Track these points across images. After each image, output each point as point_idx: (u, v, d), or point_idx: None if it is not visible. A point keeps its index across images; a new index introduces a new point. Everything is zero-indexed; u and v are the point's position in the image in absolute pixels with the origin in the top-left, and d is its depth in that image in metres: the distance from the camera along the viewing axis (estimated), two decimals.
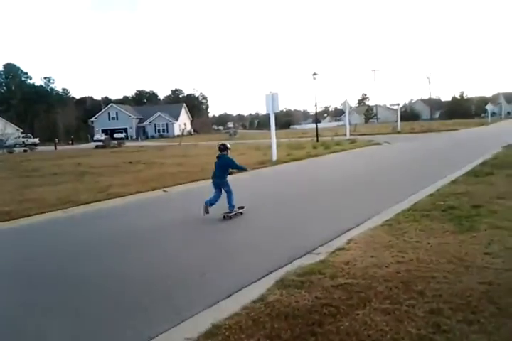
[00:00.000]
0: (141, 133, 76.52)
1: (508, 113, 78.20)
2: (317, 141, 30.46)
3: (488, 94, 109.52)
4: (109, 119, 78.18)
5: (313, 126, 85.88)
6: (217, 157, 8.95)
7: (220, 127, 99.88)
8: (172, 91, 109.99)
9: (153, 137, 72.87)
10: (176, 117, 79.38)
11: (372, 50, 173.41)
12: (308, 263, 5.37)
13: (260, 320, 3.92)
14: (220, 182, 8.87)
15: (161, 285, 5.15)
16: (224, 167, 8.85)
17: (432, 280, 4.45)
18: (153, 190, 12.60)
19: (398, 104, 43.23)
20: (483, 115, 78.97)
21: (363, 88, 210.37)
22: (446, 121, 62.91)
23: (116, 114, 78.36)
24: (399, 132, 39.15)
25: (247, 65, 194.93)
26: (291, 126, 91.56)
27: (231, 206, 8.74)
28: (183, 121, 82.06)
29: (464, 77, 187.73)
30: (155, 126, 78.04)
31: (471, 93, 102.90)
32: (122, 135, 72.21)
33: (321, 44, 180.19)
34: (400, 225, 6.82)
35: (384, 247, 5.74)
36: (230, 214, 8.62)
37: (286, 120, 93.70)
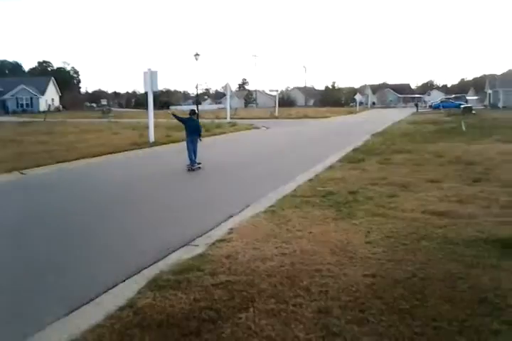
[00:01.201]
0: (1, 107, 68.19)
1: (373, 103, 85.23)
2: None
3: (356, 85, 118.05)
4: None
5: (194, 107, 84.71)
6: (188, 119, 11.70)
7: (93, 104, 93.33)
8: (39, 63, 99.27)
9: (15, 112, 65.25)
10: (43, 91, 72.00)
11: (254, 36, 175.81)
12: (186, 258, 4.82)
13: (128, 333, 3.28)
14: (194, 139, 11.44)
15: None
16: (195, 127, 11.60)
17: (317, 273, 4.20)
18: (8, 173, 10.93)
19: (277, 90, 44.36)
20: (351, 104, 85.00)
21: (244, 73, 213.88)
22: (319, 109, 66.43)
23: None
24: (277, 117, 40.16)
25: (125, 40, 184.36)
26: (171, 107, 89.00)
27: (193, 161, 11.31)
28: (51, 96, 74.85)
29: (336, 69, 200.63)
30: (17, 100, 69.90)
31: (342, 83, 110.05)
32: None
33: (204, 25, 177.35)
34: (283, 212, 6.59)
35: (267, 237, 5.42)
36: (193, 168, 11.22)
37: (165, 100, 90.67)
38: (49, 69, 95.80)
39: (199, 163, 11.48)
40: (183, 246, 5.48)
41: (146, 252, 5.26)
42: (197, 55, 29.33)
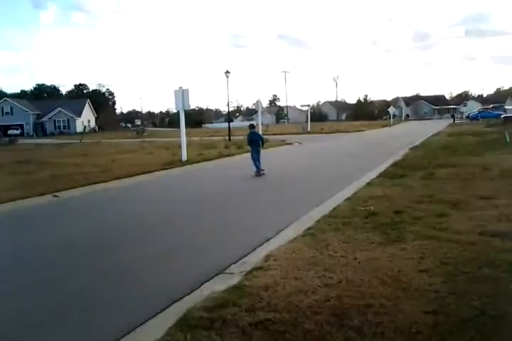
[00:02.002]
0: (40, 129, 70.49)
1: (407, 115, 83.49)
2: (229, 140, 29.66)
3: (388, 97, 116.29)
4: (3, 115, 71.03)
5: (226, 125, 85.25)
6: (250, 133, 13.81)
7: (128, 124, 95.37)
8: (76, 86, 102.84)
9: (52, 134, 67.37)
10: (79, 113, 74.25)
11: (283, 51, 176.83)
12: (220, 290, 4.40)
13: None
14: (257, 149, 13.40)
15: None
16: (256, 139, 13.61)
17: (369, 310, 3.69)
18: (40, 195, 10.87)
19: (309, 105, 43.92)
20: (385, 117, 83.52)
21: (274, 89, 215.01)
22: (352, 122, 65.51)
23: (11, 108, 71.40)
24: (309, 132, 39.70)
25: (158, 61, 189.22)
26: (204, 125, 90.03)
27: (258, 168, 13.09)
28: (87, 118, 77.06)
29: (368, 82, 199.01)
30: (55, 123, 72.34)
31: (374, 96, 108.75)
32: (17, 131, 65.97)
33: (233, 43, 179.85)
34: (323, 235, 6.10)
35: (308, 265, 4.94)
36: (260, 173, 13.01)
37: (198, 119, 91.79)
38: (85, 91, 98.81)
39: (263, 170, 13.21)
40: (216, 275, 5.09)
41: (178, 281, 4.87)
42: (227, 72, 29.36)
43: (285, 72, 77.59)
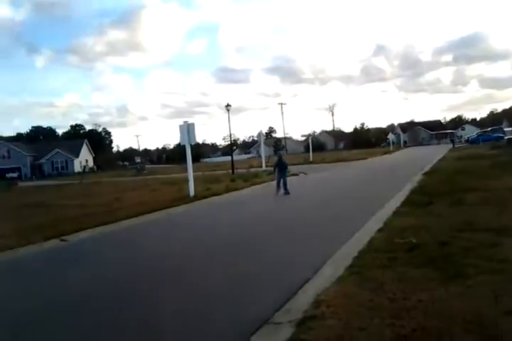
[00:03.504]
0: (37, 171, 70.09)
1: (405, 142, 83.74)
2: (233, 173, 29.23)
3: (383, 125, 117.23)
4: (0, 158, 70.85)
5: (224, 158, 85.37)
6: (278, 160, 17.60)
7: (126, 162, 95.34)
8: (72, 126, 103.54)
9: (50, 175, 66.92)
10: (77, 153, 74.21)
11: (275, 84, 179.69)
12: None
13: None
14: (282, 174, 16.71)
15: None
16: (283, 166, 17.00)
17: None
18: (47, 240, 10.24)
19: (310, 135, 43.89)
20: (383, 144, 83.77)
21: (270, 121, 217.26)
22: (351, 151, 65.39)
23: (8, 151, 71.26)
24: (311, 162, 39.38)
25: (152, 97, 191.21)
26: (202, 160, 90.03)
27: (286, 190, 16.30)
28: (85, 158, 77.00)
29: (362, 110, 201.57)
30: (53, 164, 72.06)
31: (369, 124, 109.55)
32: (15, 174, 65.59)
33: (222, 78, 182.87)
34: (371, 273, 5.51)
35: (368, 310, 4.34)
36: (286, 194, 16.14)
37: (195, 153, 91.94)
38: (81, 132, 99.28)
39: (288, 193, 16.24)
40: (260, 326, 4.47)
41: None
42: (228, 106, 29.24)
43: (281, 103, 78.41)
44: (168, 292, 5.93)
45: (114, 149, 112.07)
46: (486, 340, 3.48)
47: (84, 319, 5.17)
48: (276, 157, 18.80)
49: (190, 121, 17.17)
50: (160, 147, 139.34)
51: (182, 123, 17.19)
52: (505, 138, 41.10)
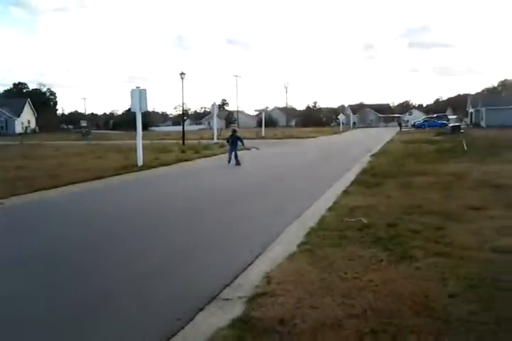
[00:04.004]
0: None
1: (354, 123, 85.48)
2: (183, 144, 28.63)
3: (334, 105, 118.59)
4: None
5: (174, 128, 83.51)
6: (232, 133, 18.07)
7: (70, 126, 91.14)
8: (14, 84, 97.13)
9: None
10: (18, 113, 69.99)
11: (232, 56, 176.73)
12: (222, 326, 3.67)
13: None
14: (234, 147, 17.43)
15: None
16: (236, 139, 17.61)
17: None
18: None
19: (264, 110, 43.60)
20: (333, 124, 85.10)
21: (223, 93, 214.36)
22: (302, 129, 66.04)
23: None
24: (263, 137, 39.32)
25: (101, 61, 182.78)
26: (150, 128, 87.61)
27: (237, 159, 17.09)
28: (27, 118, 72.91)
29: (315, 89, 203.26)
30: None
31: (321, 104, 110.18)
32: None
33: (178, 45, 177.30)
34: (322, 251, 5.50)
35: (320, 289, 4.31)
36: (238, 164, 16.91)
37: (145, 121, 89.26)
38: (24, 90, 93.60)
39: (240, 164, 17.05)
40: (209, 302, 4.33)
41: (161, 313, 4.07)
42: (183, 74, 28.26)
43: (236, 76, 76.87)
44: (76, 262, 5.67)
45: (59, 111, 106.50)
46: (436, 322, 3.52)
47: None
48: (230, 130, 19.56)
49: (141, 87, 16.40)
50: (108, 112, 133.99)
51: (134, 88, 16.43)
52: (450, 125, 42.79)
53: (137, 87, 16.26)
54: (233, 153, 17.33)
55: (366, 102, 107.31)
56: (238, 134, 18.30)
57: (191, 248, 6.21)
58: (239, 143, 17.79)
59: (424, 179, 10.99)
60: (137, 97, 16.07)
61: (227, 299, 4.38)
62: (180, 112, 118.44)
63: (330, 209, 8.19)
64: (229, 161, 17.44)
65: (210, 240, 6.64)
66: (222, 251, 6.04)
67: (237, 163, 17.07)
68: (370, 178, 11.72)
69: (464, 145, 18.71)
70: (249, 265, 5.35)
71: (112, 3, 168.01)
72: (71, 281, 5.06)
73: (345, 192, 9.86)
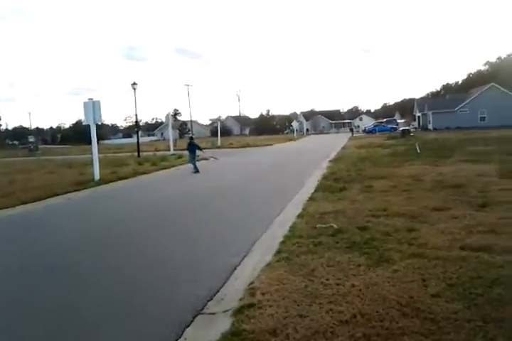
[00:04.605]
0: None
1: (307, 129, 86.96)
2: (138, 156, 28.06)
3: (286, 112, 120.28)
4: None
5: (125, 141, 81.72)
6: (189, 143, 18.97)
7: (15, 142, 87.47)
8: None
9: None
10: None
11: (182, 66, 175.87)
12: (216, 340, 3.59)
13: None
14: (193, 156, 18.52)
15: None
16: (194, 148, 18.47)
17: None
18: None
19: (219, 119, 43.51)
20: (286, 131, 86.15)
21: (175, 103, 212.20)
22: (257, 137, 66.45)
23: None
24: (219, 147, 39.21)
25: (47, 73, 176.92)
26: (101, 141, 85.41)
27: (196, 167, 17.93)
28: None
29: (267, 97, 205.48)
30: None
31: (274, 111, 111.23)
32: None
33: (127, 56, 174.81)
34: (299, 259, 5.51)
35: (305, 297, 4.31)
36: (195, 172, 17.73)
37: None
38: None
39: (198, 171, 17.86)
40: (195, 316, 4.24)
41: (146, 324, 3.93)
42: (134, 84, 27.65)
43: (188, 85, 75.96)
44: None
45: (3, 127, 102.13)
46: (425, 323, 3.58)
47: None
48: (187, 139, 21.11)
49: (89, 98, 15.95)
50: (54, 126, 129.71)
51: (85, 100, 16.00)
52: (400, 129, 44.36)
53: (90, 99, 15.83)
54: (193, 160, 18.44)
55: (317, 109, 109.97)
56: (195, 141, 19.43)
57: (161, 264, 6.06)
58: (197, 150, 18.71)
59: (384, 182, 11.28)
60: (91, 109, 15.63)
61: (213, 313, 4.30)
62: (131, 124, 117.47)
63: (299, 215, 8.23)
64: (194, 169, 18.01)
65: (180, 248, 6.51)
66: (198, 262, 5.93)
67: (196, 171, 17.86)
68: (332, 183, 11.91)
69: (417, 148, 19.40)
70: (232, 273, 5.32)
71: (52, 12, 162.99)
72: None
73: (311, 199, 9.95)
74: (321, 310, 3.99)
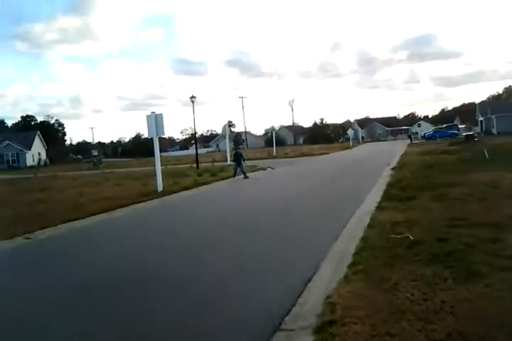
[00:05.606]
0: None
1: (363, 137, 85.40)
2: (197, 167, 28.55)
3: (339, 120, 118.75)
4: None
5: (182, 152, 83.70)
6: (234, 153, 22.54)
7: (79, 156, 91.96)
8: (23, 117, 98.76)
9: (0, 169, 63.55)
10: (29, 146, 70.65)
11: (234, 78, 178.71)
12: None
13: None
14: (238, 163, 21.09)
15: None
16: (239, 158, 21.32)
17: None
18: (9, 239, 9.41)
19: (274, 129, 43.65)
20: (341, 140, 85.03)
21: (229, 115, 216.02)
22: (311, 146, 65.94)
23: None
24: (275, 157, 39.21)
25: (107, 88, 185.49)
26: (161, 154, 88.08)
27: (245, 173, 20.63)
28: (37, 150, 73.48)
29: (320, 106, 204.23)
30: (3, 157, 68.33)
31: (327, 120, 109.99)
32: None
33: (180, 70, 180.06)
34: (378, 272, 5.21)
35: (391, 314, 4.02)
36: (246, 177, 20.34)
37: (153, 147, 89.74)
38: (32, 123, 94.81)
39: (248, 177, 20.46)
40: (273, 334, 4.08)
41: None
42: (193, 97, 28.30)
43: (242, 97, 77.33)
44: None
45: (67, 142, 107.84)
46: None
47: None
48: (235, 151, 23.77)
49: (149, 112, 16.37)
50: (115, 140, 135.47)
51: (149, 113, 16.44)
52: (463, 134, 42.51)
53: (152, 112, 16.24)
54: (238, 168, 20.96)
55: (372, 116, 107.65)
56: (240, 151, 23.25)
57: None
58: (240, 159, 21.34)
59: (457, 190, 10.67)
60: (153, 123, 16.03)
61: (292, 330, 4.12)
62: (188, 136, 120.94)
63: (370, 226, 7.91)
64: (234, 176, 20.78)
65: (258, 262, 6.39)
66: (278, 273, 5.78)
67: (245, 177, 20.45)
68: (399, 192, 11.42)
69: (486, 153, 18.38)
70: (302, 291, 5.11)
71: (110, 31, 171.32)
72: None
73: (380, 208, 9.56)
74: (412, 328, 3.70)
